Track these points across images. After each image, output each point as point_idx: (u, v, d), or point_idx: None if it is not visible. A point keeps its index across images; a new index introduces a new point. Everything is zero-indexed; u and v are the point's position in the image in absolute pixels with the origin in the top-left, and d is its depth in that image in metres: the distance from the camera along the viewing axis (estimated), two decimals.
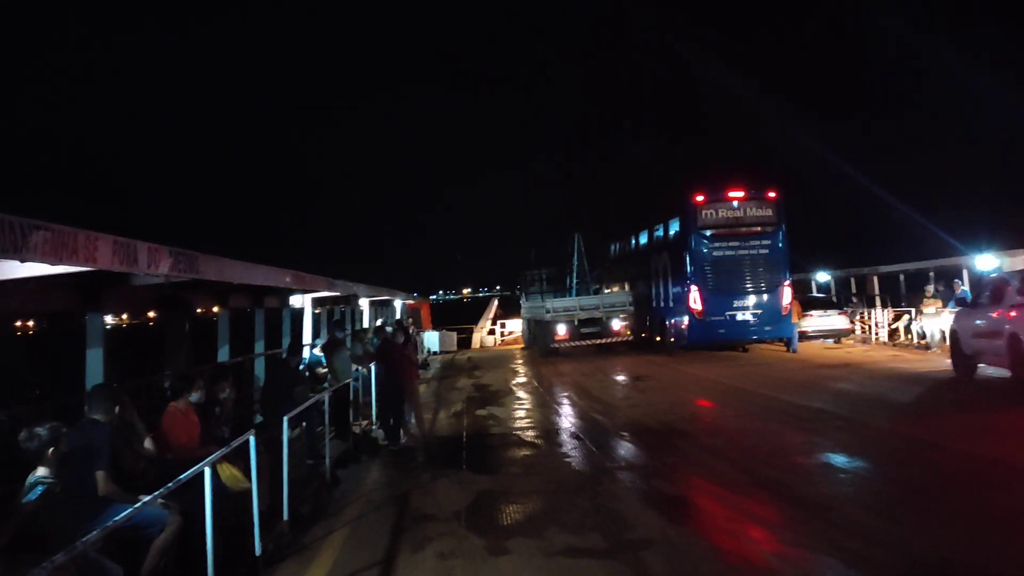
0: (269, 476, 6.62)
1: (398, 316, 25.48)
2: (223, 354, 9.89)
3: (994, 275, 14.48)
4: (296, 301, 12.36)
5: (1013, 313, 11.57)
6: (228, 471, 6.19)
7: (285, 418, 6.73)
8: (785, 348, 20.46)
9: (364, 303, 18.61)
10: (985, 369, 13.08)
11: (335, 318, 15.77)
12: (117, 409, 5.27)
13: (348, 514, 7.49)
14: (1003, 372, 12.08)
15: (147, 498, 4.63)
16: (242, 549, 5.77)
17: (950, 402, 11.81)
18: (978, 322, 12.87)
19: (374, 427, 11.74)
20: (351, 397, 10.70)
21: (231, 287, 9.02)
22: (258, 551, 5.79)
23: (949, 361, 14.16)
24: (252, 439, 5.87)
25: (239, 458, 6.15)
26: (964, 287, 18.00)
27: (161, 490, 4.67)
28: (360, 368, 11.98)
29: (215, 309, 10.75)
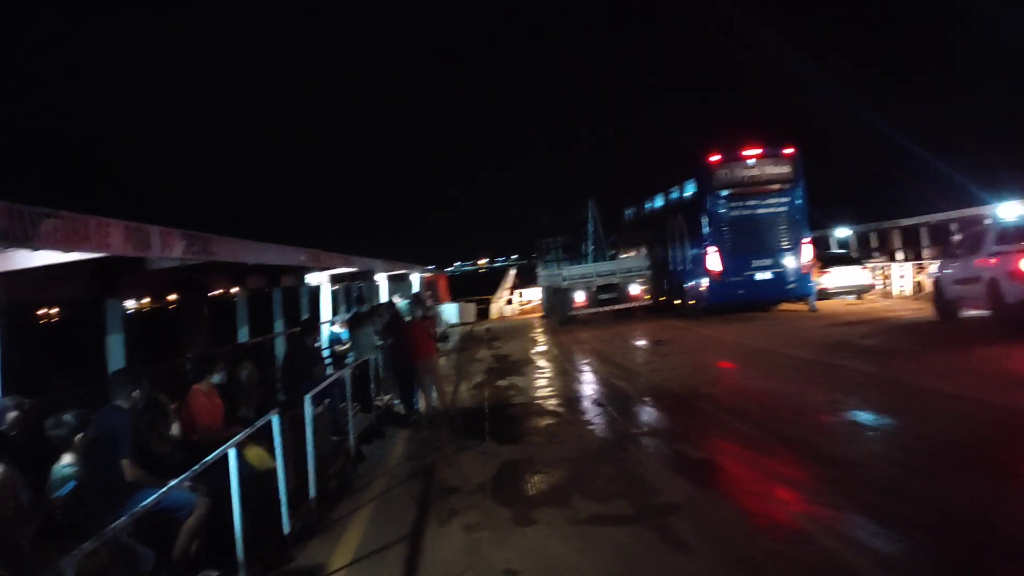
0: (294, 454, 6.66)
1: (415, 290, 25.52)
2: (243, 335, 9.93)
3: (975, 227, 15.54)
4: (313, 279, 12.36)
5: (993, 260, 12.80)
6: (254, 451, 6.24)
7: (307, 397, 6.74)
8: (806, 307, 20.27)
9: (381, 278, 18.61)
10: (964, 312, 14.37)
11: (354, 294, 15.80)
12: (137, 393, 5.28)
13: (374, 489, 7.54)
14: (982, 313, 13.45)
15: (174, 482, 4.66)
16: (270, 528, 5.83)
17: (959, 343, 11.75)
18: (958, 270, 14.24)
19: (395, 401, 11.81)
20: (372, 372, 10.74)
21: (247, 268, 9.03)
22: (286, 529, 5.83)
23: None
24: (275, 419, 5.88)
25: (264, 438, 6.19)
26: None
27: (187, 473, 4.70)
28: (381, 342, 12.03)
29: (234, 290, 10.79)
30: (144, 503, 4.28)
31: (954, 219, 20.48)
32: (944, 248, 19.06)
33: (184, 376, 7.73)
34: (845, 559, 4.69)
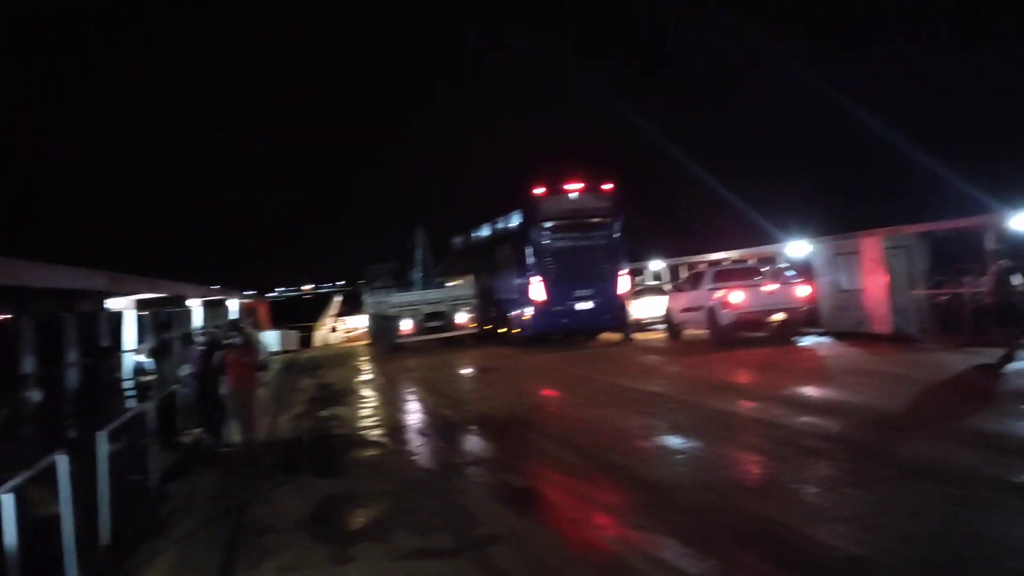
0: (85, 496, 6.03)
1: (233, 316, 24.23)
2: (28, 365, 8.92)
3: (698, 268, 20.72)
4: (116, 304, 11.38)
5: (716, 294, 17.09)
6: (37, 495, 5.58)
7: (100, 433, 6.14)
8: (622, 337, 21.16)
9: (195, 303, 17.50)
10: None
11: (161, 320, 14.71)
12: None
13: (178, 532, 6.99)
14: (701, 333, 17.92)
15: None
16: None
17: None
18: (684, 301, 18.92)
19: (205, 435, 11.08)
20: (180, 404, 10.01)
21: (31, 291, 8.15)
22: None
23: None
24: (60, 459, 5.30)
25: (50, 480, 5.55)
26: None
27: None
28: (191, 371, 11.27)
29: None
30: None
31: (754, 255, 22.30)
32: (674, 283, 22.62)
33: None
34: None
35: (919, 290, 14.94)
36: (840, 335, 16.63)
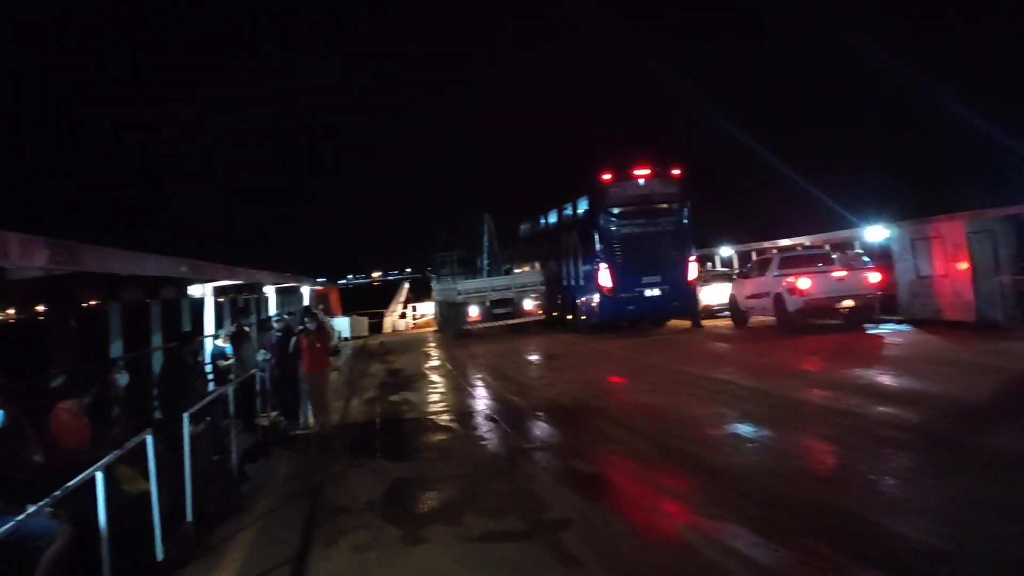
0: (171, 476, 6.30)
1: (306, 303, 24.86)
2: (116, 349, 9.36)
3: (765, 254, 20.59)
4: (196, 291, 11.81)
5: (783, 280, 16.95)
6: (125, 473, 5.87)
7: (185, 415, 6.40)
8: (691, 324, 20.94)
9: (270, 290, 18.02)
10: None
11: (239, 307, 15.21)
12: None
13: (257, 510, 7.24)
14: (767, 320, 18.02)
15: (33, 508, 4.31)
16: (143, 555, 5.47)
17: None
18: (750, 288, 18.66)
19: (282, 418, 11.43)
20: (258, 388, 10.35)
21: (121, 278, 8.53)
22: (160, 556, 5.50)
23: None
24: (149, 438, 5.55)
25: (137, 459, 5.83)
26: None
27: (47, 499, 4.36)
28: (267, 358, 11.63)
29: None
30: None
31: (827, 240, 21.69)
32: (740, 270, 22.17)
33: (48, 394, 7.18)
34: (727, 568, 4.83)
35: (1004, 276, 14.30)
36: (918, 322, 16.08)
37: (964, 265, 14.98)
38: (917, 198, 29.03)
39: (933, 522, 5.17)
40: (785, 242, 23.06)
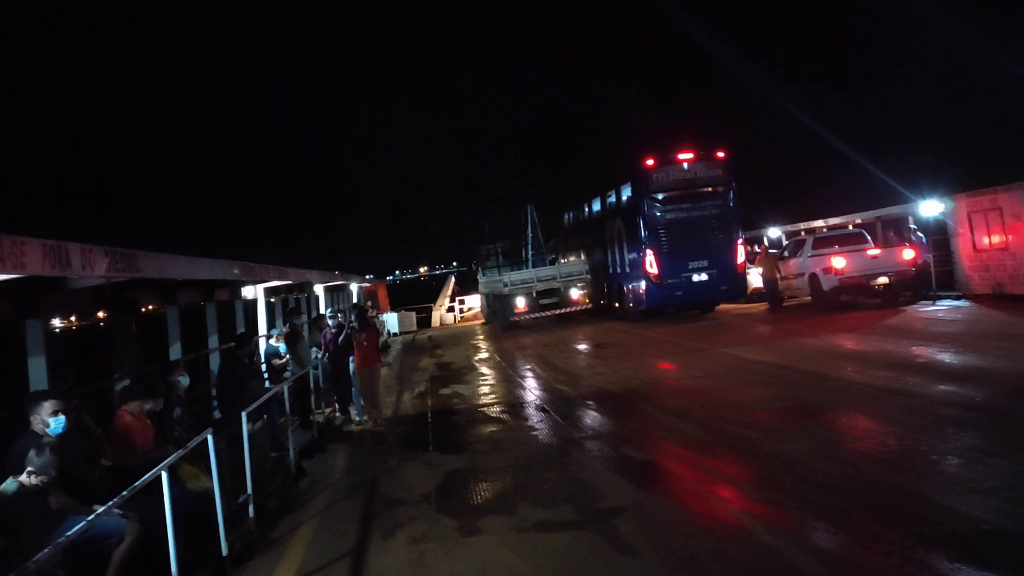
0: (232, 473, 6.47)
1: (355, 300, 25.20)
2: (175, 351, 9.62)
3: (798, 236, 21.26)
4: (248, 292, 12.08)
5: (817, 260, 17.32)
6: (188, 472, 6.04)
7: (243, 413, 6.55)
8: (741, 306, 20.68)
9: (319, 289, 18.31)
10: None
11: (290, 306, 15.50)
12: (51, 418, 5.08)
13: (316, 505, 7.38)
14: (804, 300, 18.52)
15: (102, 508, 4.46)
16: (208, 550, 5.63)
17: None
18: (786, 268, 19.17)
19: (337, 414, 11.63)
20: (312, 385, 10.54)
21: (177, 283, 8.76)
22: (224, 551, 5.65)
23: None
24: (210, 437, 5.71)
25: (199, 457, 6.00)
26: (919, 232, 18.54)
27: (116, 499, 4.51)
28: (319, 355, 11.86)
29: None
30: (70, 532, 4.09)
31: (880, 216, 21.17)
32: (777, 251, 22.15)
33: (112, 397, 7.42)
34: (785, 553, 4.77)
35: None
36: (978, 298, 15.60)
37: None
38: (972, 171, 28.15)
39: (1000, 501, 5.03)
40: (835, 220, 22.57)
